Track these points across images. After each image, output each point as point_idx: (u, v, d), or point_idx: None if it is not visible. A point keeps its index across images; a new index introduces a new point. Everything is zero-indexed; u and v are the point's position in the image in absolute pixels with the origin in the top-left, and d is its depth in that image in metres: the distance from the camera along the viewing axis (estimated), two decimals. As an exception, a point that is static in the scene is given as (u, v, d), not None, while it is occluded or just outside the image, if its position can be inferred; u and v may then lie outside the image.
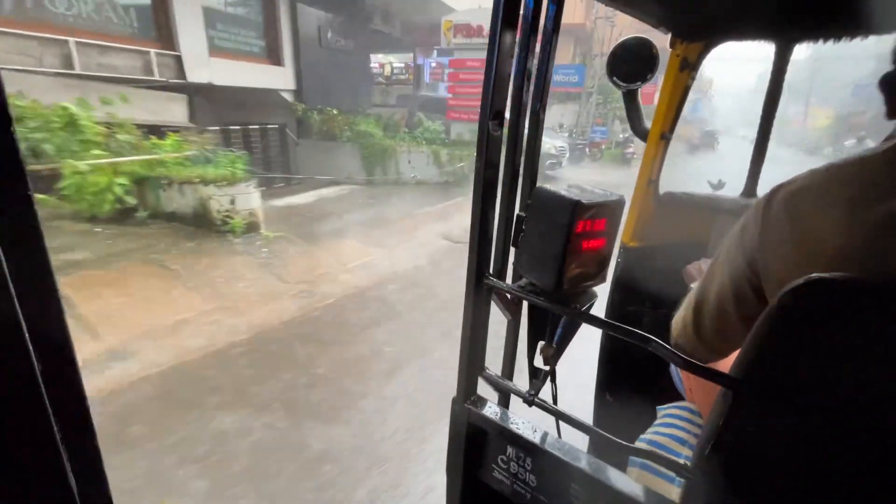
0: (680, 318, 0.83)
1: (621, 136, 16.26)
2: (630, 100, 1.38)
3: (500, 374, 0.95)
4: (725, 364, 0.68)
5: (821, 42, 1.13)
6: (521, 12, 0.72)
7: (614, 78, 1.34)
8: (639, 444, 1.06)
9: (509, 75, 0.73)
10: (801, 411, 0.54)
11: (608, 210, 0.75)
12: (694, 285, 0.85)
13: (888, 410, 0.49)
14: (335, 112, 10.06)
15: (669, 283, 1.27)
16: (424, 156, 9.88)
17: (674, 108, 1.32)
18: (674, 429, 1.00)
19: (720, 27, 1.16)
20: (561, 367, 0.88)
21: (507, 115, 0.80)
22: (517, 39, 0.74)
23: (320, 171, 9.66)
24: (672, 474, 0.80)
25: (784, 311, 0.52)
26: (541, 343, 0.86)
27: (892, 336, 0.48)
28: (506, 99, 0.74)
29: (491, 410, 0.90)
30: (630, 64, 1.31)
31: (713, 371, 0.61)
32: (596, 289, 0.83)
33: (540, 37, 0.79)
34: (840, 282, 0.51)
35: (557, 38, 0.80)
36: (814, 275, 0.51)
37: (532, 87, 0.83)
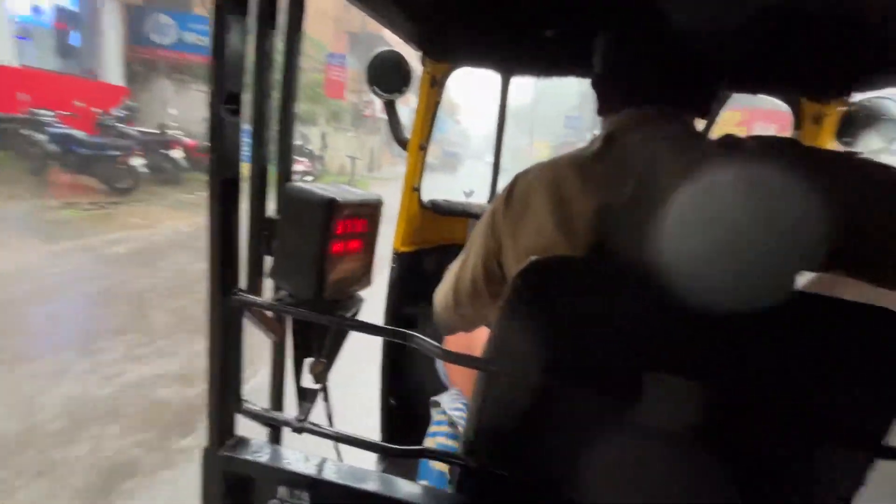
0: (441, 296, 0.91)
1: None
2: (390, 110, 1.44)
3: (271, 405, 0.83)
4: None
5: (534, 78, 1.41)
6: None
7: (374, 87, 1.38)
8: (425, 444, 1.08)
9: (242, 56, 0.64)
10: (540, 382, 0.61)
11: (367, 210, 0.73)
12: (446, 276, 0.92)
13: (612, 373, 0.58)
14: None
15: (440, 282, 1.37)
16: None
17: (428, 121, 1.44)
18: (456, 412, 1.07)
19: (457, 53, 1.32)
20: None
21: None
22: (255, 18, 0.66)
23: None
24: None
25: (516, 292, 0.58)
26: (308, 360, 0.78)
27: (607, 308, 0.57)
28: (241, 81, 0.64)
29: (256, 451, 0.76)
30: (387, 76, 1.36)
31: (467, 357, 0.64)
32: (363, 293, 0.80)
33: (287, 18, 0.73)
34: (558, 263, 0.60)
35: (303, 20, 0.75)
36: (535, 257, 0.59)
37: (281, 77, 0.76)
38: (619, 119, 0.71)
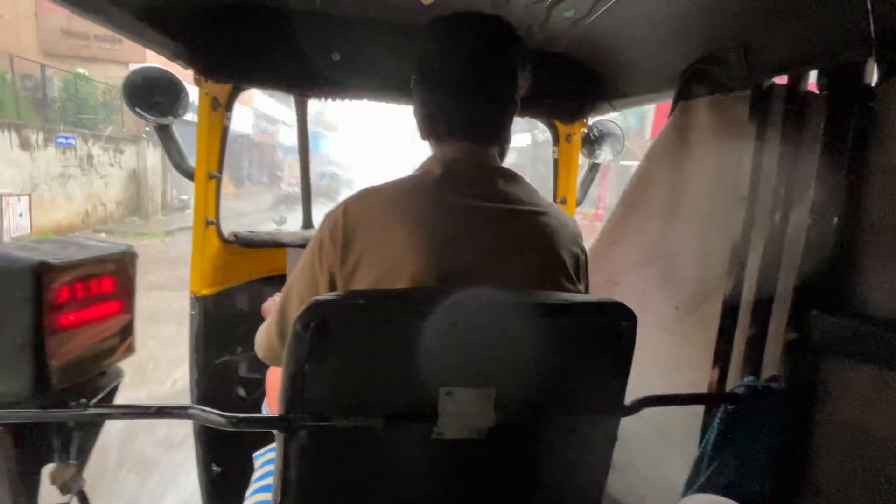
0: (263, 337, 0.81)
1: None
2: (164, 135, 1.25)
3: None
4: None
5: (329, 100, 1.39)
6: None
7: (138, 109, 1.17)
8: None
9: None
10: (342, 429, 0.58)
11: (110, 266, 0.60)
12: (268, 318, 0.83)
13: (413, 409, 0.59)
14: None
15: (257, 321, 1.23)
16: None
17: (216, 147, 1.29)
18: (271, 477, 0.96)
19: (239, 72, 1.22)
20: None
21: None
22: None
23: None
24: None
25: (297, 338, 0.54)
26: (48, 467, 0.60)
27: (392, 339, 0.57)
28: None
29: None
30: (154, 97, 1.18)
31: (257, 419, 0.57)
32: (124, 364, 0.66)
33: None
34: (338, 300, 0.57)
35: None
36: (316, 298, 0.56)
37: None
38: (452, 150, 0.75)
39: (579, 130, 1.51)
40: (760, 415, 0.79)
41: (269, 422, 0.57)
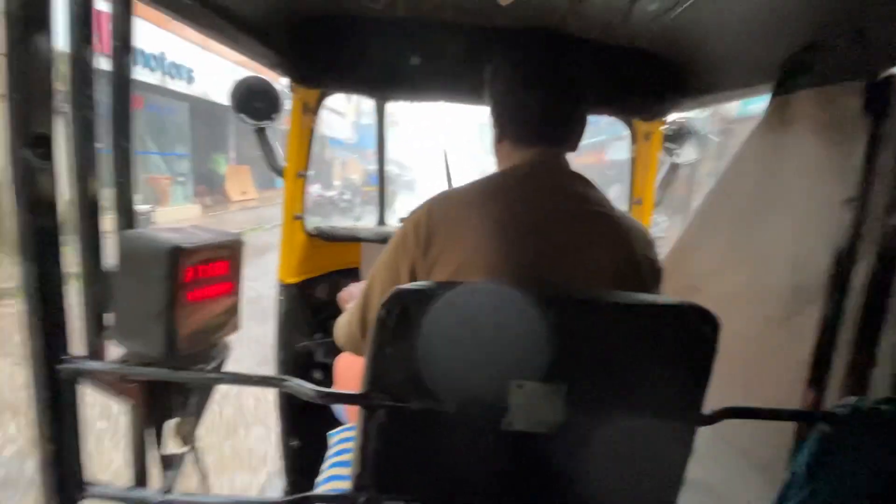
0: (344, 324, 0.88)
1: None
2: (261, 137, 1.38)
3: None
4: None
5: (408, 102, 1.46)
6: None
7: (242, 115, 1.31)
8: (319, 489, 1.02)
9: (51, 90, 0.56)
10: (415, 408, 0.62)
11: (225, 252, 0.68)
12: (349, 305, 0.90)
13: (480, 390, 0.61)
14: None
15: (334, 310, 1.33)
16: None
17: (304, 148, 1.40)
18: (344, 455, 1.03)
19: (329, 79, 1.31)
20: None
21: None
22: (71, 34, 0.59)
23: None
24: None
25: (381, 322, 0.58)
26: (172, 422, 0.70)
27: (469, 329, 0.59)
28: (50, 119, 0.56)
29: None
30: (255, 102, 1.31)
31: (343, 395, 0.63)
32: (232, 338, 0.75)
33: (105, 40, 0.66)
34: (420, 290, 0.61)
35: (131, 22, 0.68)
36: (399, 286, 0.60)
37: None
38: (530, 153, 0.78)
39: (659, 128, 1.45)
40: (865, 440, 0.72)
41: (353, 398, 0.63)
